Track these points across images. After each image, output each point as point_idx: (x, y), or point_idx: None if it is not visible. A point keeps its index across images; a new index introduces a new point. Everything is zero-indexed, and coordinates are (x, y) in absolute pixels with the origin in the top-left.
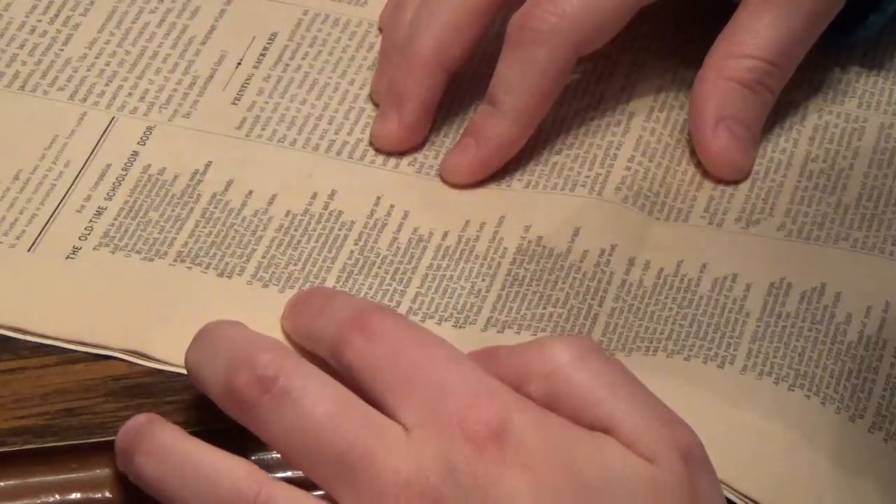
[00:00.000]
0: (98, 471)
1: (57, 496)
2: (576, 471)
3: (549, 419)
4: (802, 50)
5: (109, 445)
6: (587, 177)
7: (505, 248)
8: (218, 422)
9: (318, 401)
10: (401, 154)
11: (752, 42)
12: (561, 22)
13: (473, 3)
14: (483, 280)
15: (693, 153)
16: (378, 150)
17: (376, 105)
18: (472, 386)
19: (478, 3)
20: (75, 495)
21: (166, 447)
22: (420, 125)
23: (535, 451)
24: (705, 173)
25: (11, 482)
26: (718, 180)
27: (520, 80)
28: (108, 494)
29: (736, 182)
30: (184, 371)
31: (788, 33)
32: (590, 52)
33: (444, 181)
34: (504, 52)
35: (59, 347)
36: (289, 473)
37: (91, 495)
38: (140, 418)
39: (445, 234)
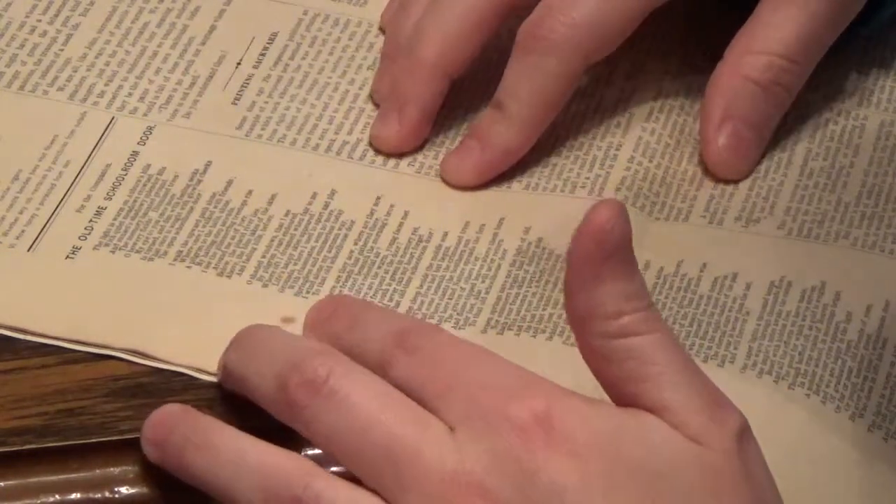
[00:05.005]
0: (98, 471)
1: (57, 496)
2: (622, 455)
3: (593, 406)
4: (823, 48)
5: (109, 445)
6: (587, 178)
7: (505, 250)
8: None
9: (364, 399)
10: (400, 156)
11: (771, 38)
12: (571, 31)
13: (481, 10)
14: (483, 281)
15: (693, 153)
16: (377, 151)
17: (376, 105)
18: (513, 380)
19: (485, 10)
20: (75, 495)
21: (216, 441)
22: (420, 129)
23: (581, 437)
24: (705, 173)
25: (11, 482)
26: (718, 179)
27: (528, 88)
28: (107, 494)
29: (736, 181)
30: (184, 371)
31: (810, 29)
32: (599, 60)
33: (446, 182)
34: (513, 58)
35: (59, 347)
36: None
37: (91, 495)
38: (173, 409)
39: (445, 235)
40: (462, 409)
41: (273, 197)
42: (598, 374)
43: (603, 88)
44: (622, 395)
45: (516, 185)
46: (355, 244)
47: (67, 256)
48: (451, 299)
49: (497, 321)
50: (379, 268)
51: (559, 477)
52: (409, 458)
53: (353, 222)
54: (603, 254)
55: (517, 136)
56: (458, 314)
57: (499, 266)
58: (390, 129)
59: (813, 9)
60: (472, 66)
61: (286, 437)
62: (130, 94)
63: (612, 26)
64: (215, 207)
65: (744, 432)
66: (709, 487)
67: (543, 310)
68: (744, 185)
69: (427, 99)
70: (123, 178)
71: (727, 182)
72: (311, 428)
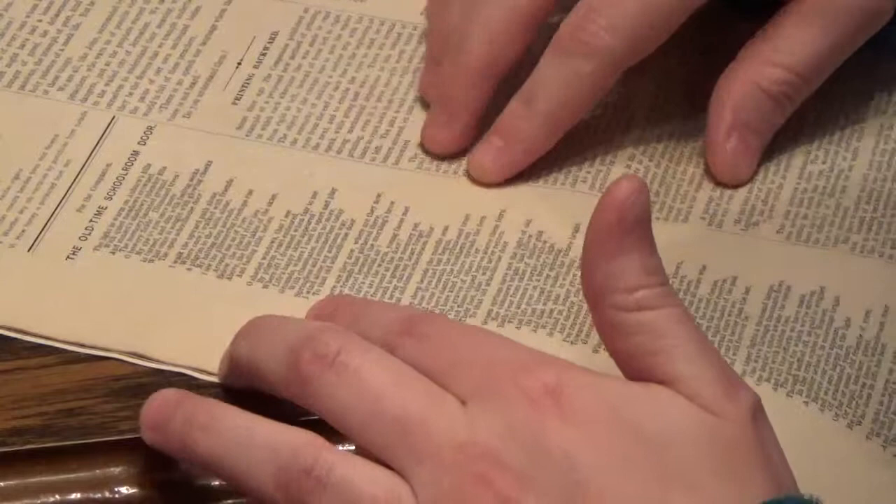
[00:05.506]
0: (98, 471)
1: (57, 496)
2: (634, 425)
3: (604, 379)
4: (834, 67)
5: (109, 445)
6: (588, 173)
7: (505, 243)
8: None
9: (376, 372)
10: (451, 157)
11: (791, 53)
12: (612, 39)
13: (524, 12)
14: (483, 273)
15: (692, 154)
16: (428, 153)
17: (425, 105)
18: (523, 357)
19: (528, 11)
20: (75, 495)
21: (221, 420)
22: (471, 131)
23: (592, 407)
24: (705, 174)
25: (11, 482)
26: (720, 183)
27: (561, 89)
28: (107, 494)
29: (736, 187)
30: (183, 371)
31: (827, 51)
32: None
33: (470, 178)
34: (549, 55)
35: (59, 348)
36: None
37: (91, 495)
38: (172, 392)
39: (446, 229)
40: (473, 382)
41: (273, 197)
42: (612, 348)
43: None
44: (636, 370)
45: (517, 178)
46: (356, 243)
47: (68, 257)
48: (451, 291)
49: (497, 313)
50: (380, 266)
51: (571, 447)
52: (421, 430)
53: (353, 221)
54: (623, 227)
55: (542, 134)
56: (458, 306)
57: (499, 258)
58: (442, 132)
59: (834, 32)
60: (518, 63)
61: None
62: (131, 94)
63: (651, 32)
64: (215, 208)
65: (758, 410)
66: (722, 457)
67: (544, 304)
68: (743, 188)
69: (476, 103)
70: (124, 178)
71: (728, 186)
72: (323, 402)
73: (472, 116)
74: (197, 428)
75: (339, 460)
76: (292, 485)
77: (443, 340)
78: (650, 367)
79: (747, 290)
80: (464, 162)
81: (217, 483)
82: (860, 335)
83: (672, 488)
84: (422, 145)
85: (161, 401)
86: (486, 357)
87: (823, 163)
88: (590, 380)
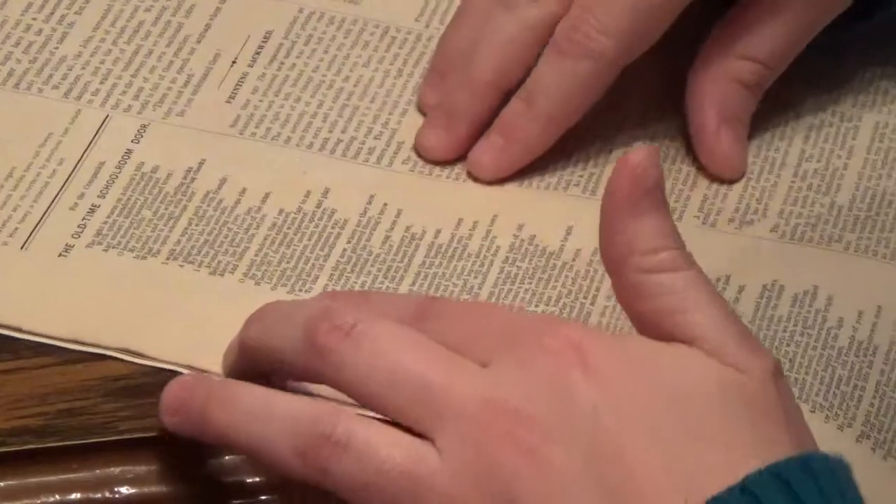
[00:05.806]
0: (98, 471)
1: (57, 496)
2: (659, 379)
3: (625, 337)
4: (796, 53)
5: (109, 445)
6: (580, 176)
7: (498, 247)
8: None
9: (394, 339)
10: (444, 164)
11: (758, 44)
12: (605, 40)
13: (535, 28)
14: (476, 278)
15: (687, 152)
16: (421, 158)
17: (423, 114)
18: (543, 319)
19: (539, 28)
20: (75, 495)
21: (239, 395)
22: (468, 142)
23: (614, 360)
24: (699, 172)
25: (11, 482)
26: (713, 179)
27: (559, 88)
28: (107, 494)
29: (733, 181)
30: (181, 370)
31: (792, 38)
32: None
33: (464, 180)
34: (548, 56)
35: (58, 347)
36: None
37: (91, 495)
38: (186, 378)
39: (438, 233)
40: (494, 346)
41: (266, 195)
42: (633, 312)
43: None
44: (658, 332)
45: (509, 182)
46: (348, 242)
47: (60, 254)
48: (443, 294)
49: None
50: (372, 266)
51: (596, 398)
52: (443, 391)
53: (346, 221)
54: (639, 192)
55: (542, 132)
56: None
57: (491, 262)
58: (438, 138)
59: (801, 21)
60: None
61: None
62: (125, 93)
63: (643, 29)
64: (208, 206)
65: (778, 371)
66: (745, 413)
67: (536, 306)
68: (737, 187)
69: (479, 116)
70: (117, 177)
71: (725, 182)
72: (342, 372)
73: (472, 128)
74: (215, 404)
75: (359, 425)
76: (311, 451)
77: (458, 316)
78: (672, 328)
79: (741, 290)
80: (457, 166)
81: (222, 481)
82: (852, 336)
83: (697, 443)
84: (415, 149)
85: (178, 385)
86: (506, 324)
87: (818, 161)
88: (612, 338)
